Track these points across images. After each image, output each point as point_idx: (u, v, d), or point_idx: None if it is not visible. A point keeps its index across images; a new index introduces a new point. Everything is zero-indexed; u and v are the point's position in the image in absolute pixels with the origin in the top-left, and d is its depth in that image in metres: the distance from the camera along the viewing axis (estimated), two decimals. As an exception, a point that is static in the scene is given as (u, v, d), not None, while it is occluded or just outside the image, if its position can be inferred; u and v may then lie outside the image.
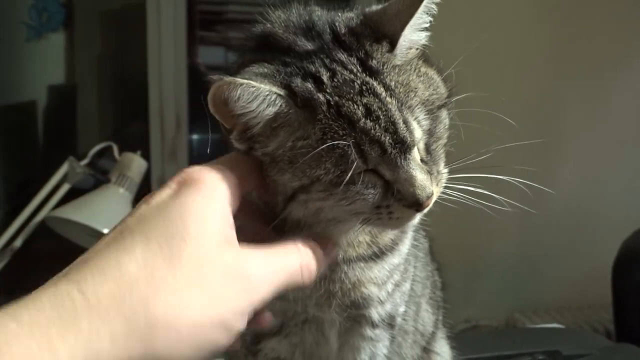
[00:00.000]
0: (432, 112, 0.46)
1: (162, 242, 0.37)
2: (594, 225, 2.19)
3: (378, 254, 0.56)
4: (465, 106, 0.52)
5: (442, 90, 0.48)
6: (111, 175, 1.46)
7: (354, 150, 0.42)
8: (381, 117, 0.43)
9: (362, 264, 0.55)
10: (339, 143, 0.42)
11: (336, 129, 0.43)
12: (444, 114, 0.49)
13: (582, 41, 2.09)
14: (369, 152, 0.43)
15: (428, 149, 0.47)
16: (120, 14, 2.54)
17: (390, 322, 0.61)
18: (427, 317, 0.73)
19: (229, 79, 0.42)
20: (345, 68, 0.44)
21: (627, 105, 2.19)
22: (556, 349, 0.95)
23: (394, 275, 0.58)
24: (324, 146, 0.42)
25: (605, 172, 2.22)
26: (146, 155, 2.13)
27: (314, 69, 0.44)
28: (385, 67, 0.45)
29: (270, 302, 0.52)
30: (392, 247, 0.57)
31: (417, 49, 0.48)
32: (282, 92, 0.43)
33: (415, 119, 0.45)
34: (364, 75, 0.44)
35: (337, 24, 0.47)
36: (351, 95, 0.43)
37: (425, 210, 0.46)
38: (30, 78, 2.53)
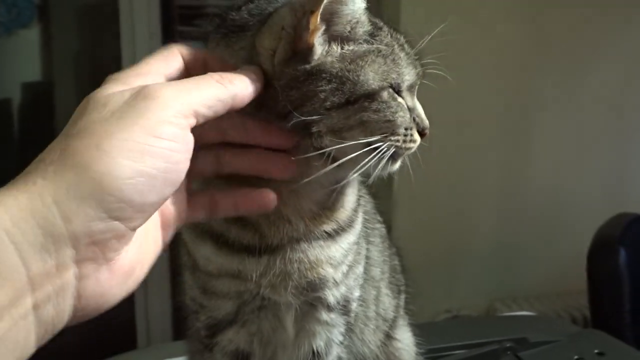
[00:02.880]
0: None
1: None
2: (570, 214, 2.22)
3: (337, 231, 0.57)
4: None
5: None
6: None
7: (405, 66, 0.53)
8: (411, 49, 0.55)
9: (321, 242, 0.56)
10: (400, 54, 0.53)
11: (396, 45, 0.53)
12: None
13: (557, 35, 2.10)
14: (411, 72, 0.53)
15: None
16: (96, 9, 2.50)
17: (345, 306, 0.61)
18: (388, 301, 0.73)
19: None
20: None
21: (601, 99, 2.21)
22: (524, 337, 0.96)
23: (348, 256, 0.59)
24: (393, 53, 0.52)
25: (580, 163, 2.24)
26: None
27: None
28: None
29: (224, 282, 0.55)
30: (349, 225, 0.58)
31: None
32: None
33: None
34: (385, 24, 0.55)
35: None
36: (391, 29, 0.55)
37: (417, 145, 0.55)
38: (3, 75, 2.49)
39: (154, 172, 0.39)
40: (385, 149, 0.51)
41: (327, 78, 0.49)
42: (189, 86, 0.43)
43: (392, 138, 0.52)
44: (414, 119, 0.54)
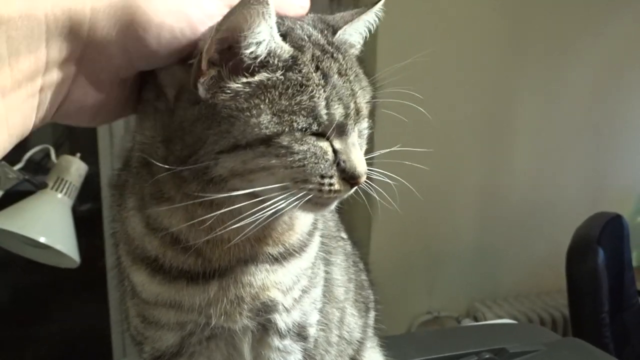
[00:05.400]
0: (369, 101, 0.50)
1: None
2: (549, 214, 2.23)
3: (284, 255, 0.53)
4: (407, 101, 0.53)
5: (370, 89, 0.51)
6: (48, 179, 1.37)
7: (324, 104, 0.45)
8: (346, 82, 0.47)
9: (267, 266, 0.52)
10: (315, 91, 0.45)
11: (315, 78, 0.45)
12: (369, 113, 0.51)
13: (534, 34, 2.10)
14: (335, 110, 0.45)
15: (359, 134, 0.51)
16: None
17: (300, 333, 0.57)
18: (354, 322, 0.69)
19: None
20: (313, 34, 0.48)
21: (578, 97, 2.22)
22: (503, 347, 0.94)
23: (300, 281, 0.55)
24: (306, 89, 0.45)
25: (558, 163, 2.25)
26: (95, 157, 2.04)
27: (291, 24, 0.48)
28: (342, 47, 0.50)
29: (161, 312, 0.52)
30: (300, 249, 0.55)
31: (355, 49, 0.53)
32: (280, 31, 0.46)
33: (364, 97, 0.49)
34: (329, 46, 0.48)
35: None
36: (326, 55, 0.47)
37: (353, 191, 0.48)
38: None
39: (179, 36, 0.43)
40: (300, 195, 0.45)
41: (217, 120, 0.44)
42: None
43: (303, 186, 0.45)
44: (338, 164, 0.47)
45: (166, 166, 0.45)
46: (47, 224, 1.31)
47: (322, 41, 0.48)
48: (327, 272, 0.62)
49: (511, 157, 2.20)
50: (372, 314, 0.75)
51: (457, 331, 1.37)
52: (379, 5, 0.52)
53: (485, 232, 2.21)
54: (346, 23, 0.51)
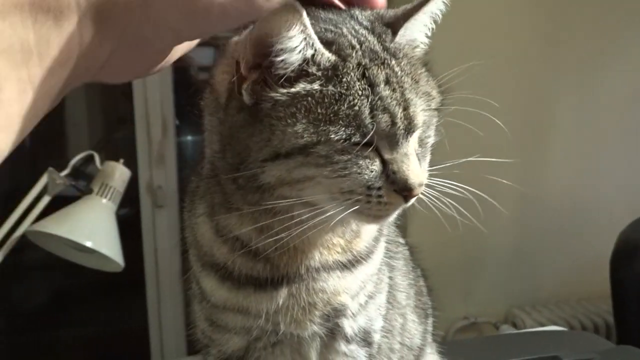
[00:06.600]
0: (430, 108, 0.48)
1: None
2: (590, 218, 2.17)
3: (353, 262, 0.54)
4: (456, 105, 0.52)
5: (436, 94, 0.50)
6: (93, 185, 1.41)
7: (367, 113, 0.43)
8: (397, 90, 0.45)
9: (338, 273, 0.53)
10: (357, 100, 0.43)
11: (358, 87, 0.44)
12: (435, 119, 0.50)
13: (573, 35, 2.06)
14: (379, 120, 0.44)
15: (420, 143, 0.49)
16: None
17: (365, 338, 0.58)
18: (414, 328, 0.70)
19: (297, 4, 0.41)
20: (368, 40, 0.47)
21: (619, 98, 2.16)
22: (555, 355, 0.92)
23: (366, 286, 0.56)
24: (346, 98, 0.43)
25: (600, 164, 2.19)
26: (133, 161, 2.08)
27: (345, 30, 0.46)
28: (399, 52, 0.47)
29: (229, 316, 0.53)
30: (367, 255, 0.55)
31: (420, 48, 0.51)
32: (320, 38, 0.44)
33: (420, 105, 0.46)
34: (384, 52, 0.46)
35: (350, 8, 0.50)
36: (375, 62, 0.45)
37: (410, 203, 0.47)
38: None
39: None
40: (349, 206, 0.45)
41: (259, 128, 0.44)
42: None
43: (349, 197, 0.44)
44: (387, 176, 0.45)
45: (223, 175, 0.48)
46: (93, 229, 1.34)
47: (377, 47, 0.47)
48: (390, 278, 0.62)
49: (550, 159, 2.15)
50: (430, 320, 0.75)
51: (506, 339, 1.35)
52: None
53: (523, 236, 2.16)
54: (407, 18, 0.49)
